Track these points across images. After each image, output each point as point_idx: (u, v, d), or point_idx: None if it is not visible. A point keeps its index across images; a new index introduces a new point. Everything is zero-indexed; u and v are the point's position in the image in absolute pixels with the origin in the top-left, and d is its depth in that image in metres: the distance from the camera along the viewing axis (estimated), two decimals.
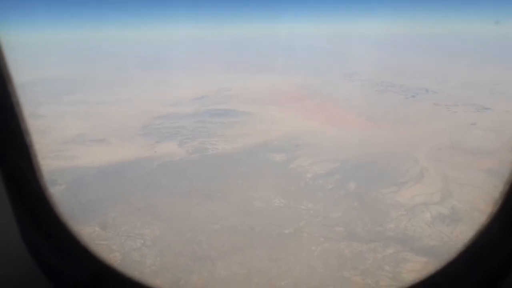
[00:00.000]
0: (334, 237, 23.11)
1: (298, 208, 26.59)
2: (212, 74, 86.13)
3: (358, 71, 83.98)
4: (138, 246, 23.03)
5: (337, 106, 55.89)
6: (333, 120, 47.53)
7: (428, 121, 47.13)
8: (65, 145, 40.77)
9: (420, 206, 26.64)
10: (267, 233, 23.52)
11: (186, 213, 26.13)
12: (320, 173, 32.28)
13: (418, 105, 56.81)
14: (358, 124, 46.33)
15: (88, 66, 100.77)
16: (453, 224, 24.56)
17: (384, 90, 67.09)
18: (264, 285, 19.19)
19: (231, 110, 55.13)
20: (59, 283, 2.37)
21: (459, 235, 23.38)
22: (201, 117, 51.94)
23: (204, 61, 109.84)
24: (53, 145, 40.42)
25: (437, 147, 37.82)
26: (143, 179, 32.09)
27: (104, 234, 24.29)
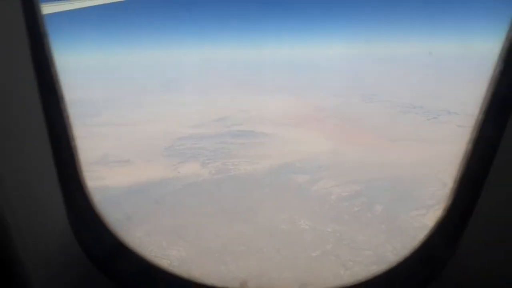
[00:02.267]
0: (363, 261, 22.71)
1: (325, 230, 26.32)
2: (231, 95, 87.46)
3: (377, 92, 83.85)
4: (165, 266, 23.07)
5: (357, 127, 55.78)
6: (355, 142, 47.38)
7: (452, 143, 46.34)
8: (90, 166, 41.65)
9: None
10: (294, 255, 23.31)
11: (212, 234, 26.18)
12: (344, 195, 32.00)
13: (441, 126, 56.15)
14: (381, 145, 46.01)
15: (109, 88, 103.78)
16: None
17: (405, 111, 66.57)
18: None
19: (251, 131, 55.57)
20: (94, 259, 3.00)
21: None
22: (222, 138, 52.47)
23: (222, 82, 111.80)
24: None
25: None
26: (168, 200, 32.43)
27: None
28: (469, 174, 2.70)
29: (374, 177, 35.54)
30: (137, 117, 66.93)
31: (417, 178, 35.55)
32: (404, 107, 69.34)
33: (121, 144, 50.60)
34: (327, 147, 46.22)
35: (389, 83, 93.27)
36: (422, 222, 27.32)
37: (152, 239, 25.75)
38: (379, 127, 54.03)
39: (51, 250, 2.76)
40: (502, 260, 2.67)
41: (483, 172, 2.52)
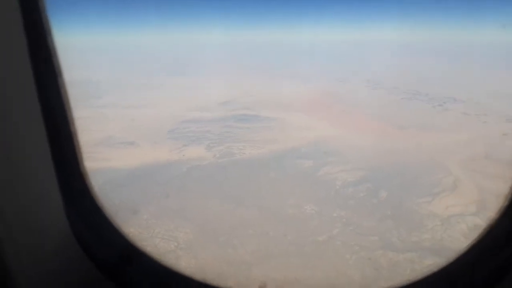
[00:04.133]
0: (369, 246, 22.85)
1: (331, 216, 26.43)
2: (236, 79, 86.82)
3: (383, 78, 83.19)
4: (172, 248, 23.31)
5: (363, 113, 55.40)
6: (360, 128, 47.14)
7: (458, 130, 46.19)
8: (95, 147, 41.68)
9: (455, 217, 26.08)
10: (301, 240, 23.45)
11: (219, 217, 26.32)
12: (350, 181, 32.01)
13: (447, 114, 55.77)
14: (386, 132, 45.80)
15: (115, 70, 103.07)
16: None
17: (410, 98, 66.15)
18: None
19: (256, 115, 55.32)
20: (97, 261, 2.63)
21: None
22: (226, 122, 52.29)
23: (227, 66, 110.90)
24: (84, 147, 41.23)
25: (469, 157, 37.00)
26: (174, 183, 32.49)
27: (138, 235, 24.70)
28: None
29: (379, 164, 35.48)
30: (141, 99, 66.64)
31: (422, 165, 35.45)
32: (410, 94, 68.87)
33: (125, 126, 50.47)
34: (332, 133, 46.07)
35: (395, 70, 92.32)
36: (427, 209, 27.40)
37: (159, 221, 25.91)
38: (385, 114, 53.70)
39: (47, 250, 2.36)
40: None
41: None
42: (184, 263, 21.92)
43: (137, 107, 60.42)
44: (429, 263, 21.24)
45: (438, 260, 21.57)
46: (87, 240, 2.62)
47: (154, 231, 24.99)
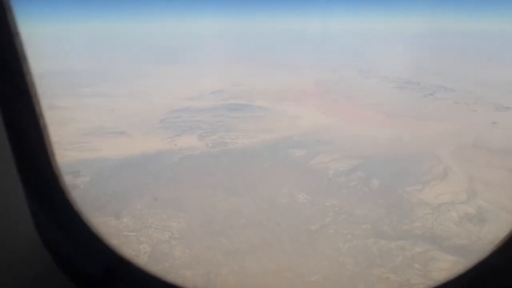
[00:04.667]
0: (361, 234, 23.10)
1: (323, 204, 26.59)
2: (228, 69, 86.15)
3: (374, 67, 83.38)
4: (166, 238, 23.28)
5: (355, 102, 55.60)
6: (352, 117, 47.32)
7: (449, 119, 46.66)
8: (86, 137, 41.23)
9: (446, 205, 26.47)
10: (294, 229, 23.60)
11: (212, 207, 26.31)
12: (342, 170, 32.19)
13: (437, 103, 56.24)
14: (378, 121, 46.04)
15: (105, 59, 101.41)
16: (481, 223, 24.39)
17: (402, 87, 66.49)
18: (294, 280, 19.31)
19: (248, 105, 55.10)
20: (74, 275, 2.33)
21: (487, 235, 23.23)
22: (218, 111, 52.01)
23: (219, 55, 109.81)
24: (74, 137, 40.92)
25: (459, 146, 37.46)
26: (166, 172, 32.34)
27: (132, 225, 24.61)
28: None
29: (371, 153, 35.73)
30: (132, 88, 65.82)
31: (413, 153, 35.78)
32: (401, 83, 69.18)
33: (115, 115, 49.89)
34: (324, 122, 46.16)
35: (386, 59, 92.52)
36: (418, 197, 27.74)
37: (152, 211, 25.82)
38: (376, 103, 53.91)
39: (11, 264, 2.07)
40: None
41: None
42: (179, 253, 21.94)
43: (127, 96, 59.70)
44: (420, 251, 21.59)
45: (429, 247, 21.95)
46: (61, 251, 2.28)
47: (147, 222, 24.91)
